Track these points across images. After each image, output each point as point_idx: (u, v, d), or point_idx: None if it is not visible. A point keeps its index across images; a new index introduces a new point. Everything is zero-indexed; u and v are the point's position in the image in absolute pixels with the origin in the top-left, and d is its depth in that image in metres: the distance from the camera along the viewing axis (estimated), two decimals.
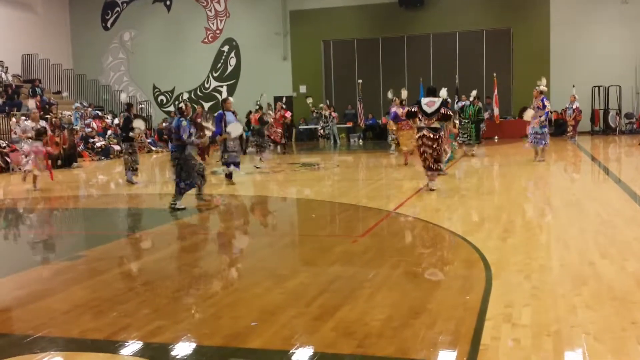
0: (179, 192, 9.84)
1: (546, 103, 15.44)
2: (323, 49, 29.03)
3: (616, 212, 8.65)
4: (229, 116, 12.64)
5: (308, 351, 3.97)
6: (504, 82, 25.37)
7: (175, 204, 9.81)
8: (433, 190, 10.88)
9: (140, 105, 28.97)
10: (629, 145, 19.99)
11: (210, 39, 30.36)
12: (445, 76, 26.65)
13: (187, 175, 9.76)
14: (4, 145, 19.38)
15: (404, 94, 18.08)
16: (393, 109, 17.07)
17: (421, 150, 10.80)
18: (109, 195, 13.07)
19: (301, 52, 28.94)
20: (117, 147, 23.11)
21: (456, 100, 22.13)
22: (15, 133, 14.60)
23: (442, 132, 10.83)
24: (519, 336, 4.04)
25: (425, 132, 10.62)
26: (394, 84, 25.66)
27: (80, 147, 22.05)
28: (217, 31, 30.25)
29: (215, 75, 30.50)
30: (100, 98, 30.65)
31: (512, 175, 13.95)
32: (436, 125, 10.62)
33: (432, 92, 10.83)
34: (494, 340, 3.98)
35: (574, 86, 22.45)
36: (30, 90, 25.89)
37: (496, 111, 23.93)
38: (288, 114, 21.64)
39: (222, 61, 30.35)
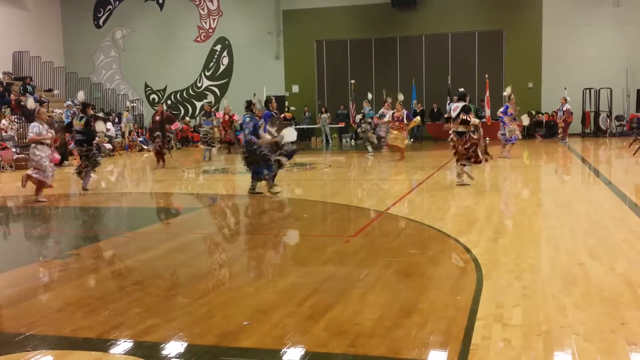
0: (257, 179, 11.17)
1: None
2: (316, 48, 29.03)
3: (606, 213, 8.71)
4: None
5: (300, 350, 3.99)
6: (496, 83, 25.42)
7: (254, 189, 11.17)
8: (464, 184, 11.53)
9: (132, 104, 28.90)
10: (619, 148, 20.09)
11: (202, 38, 30.30)
12: (437, 77, 26.77)
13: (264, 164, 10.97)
14: None
15: (401, 97, 18.59)
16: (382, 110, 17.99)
17: (452, 150, 11.66)
18: (101, 193, 13.03)
19: (294, 51, 28.92)
20: (108, 146, 23.07)
21: (448, 102, 22.14)
22: (32, 145, 11.38)
23: (473, 135, 11.37)
24: (510, 336, 4.07)
25: (452, 135, 11.49)
26: (386, 85, 25.74)
27: (72, 146, 21.94)
28: (210, 30, 30.19)
29: (207, 74, 30.43)
30: (92, 96, 30.54)
31: (503, 176, 14.01)
32: (461, 129, 11.29)
33: (461, 98, 11.59)
34: (485, 340, 4.01)
35: (565, 88, 22.54)
36: (21, 87, 25.79)
37: (488, 113, 23.97)
38: (236, 117, 22.01)
39: (214, 60, 30.29)
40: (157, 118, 17.69)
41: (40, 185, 11.29)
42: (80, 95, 16.10)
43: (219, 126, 21.26)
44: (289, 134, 11.65)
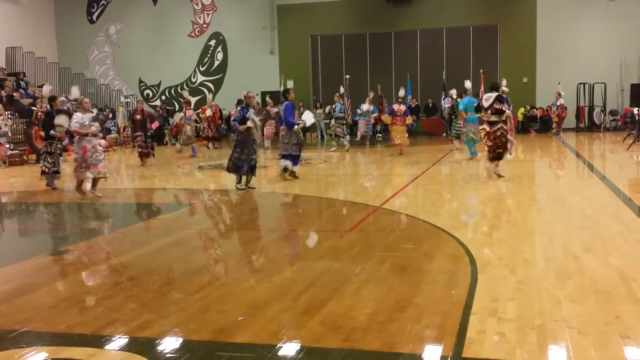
0: (242, 174, 11.37)
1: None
2: (310, 43, 29.01)
3: (600, 207, 8.73)
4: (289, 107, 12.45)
5: (295, 345, 3.99)
6: (490, 78, 25.35)
7: (249, 185, 11.47)
8: (501, 176, 11.67)
9: (127, 100, 28.82)
10: (613, 142, 20.14)
11: (196, 33, 30.25)
12: (432, 72, 26.80)
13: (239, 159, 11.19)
14: None
15: (402, 92, 18.77)
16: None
17: (484, 141, 11.76)
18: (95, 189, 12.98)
19: (288, 46, 28.90)
20: (103, 141, 22.98)
21: (443, 97, 22.18)
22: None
23: (505, 125, 11.55)
24: (504, 330, 4.08)
25: (485, 125, 11.59)
26: (381, 80, 25.77)
27: (65, 142, 21.85)
28: (204, 25, 30.13)
29: (201, 69, 30.39)
30: (86, 92, 30.43)
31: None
32: (493, 118, 11.40)
33: (493, 88, 11.69)
34: (480, 334, 4.02)
35: (559, 83, 22.58)
36: (15, 83, 25.69)
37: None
38: (218, 111, 22.20)
39: (208, 55, 30.24)
40: (138, 117, 17.22)
41: (80, 181, 10.97)
42: (46, 89, 15.26)
43: (195, 122, 21.18)
44: (309, 118, 12.45)
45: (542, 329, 4.08)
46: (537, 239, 6.95)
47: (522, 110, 26.04)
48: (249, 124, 11.13)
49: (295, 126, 12.16)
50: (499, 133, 11.44)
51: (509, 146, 12.02)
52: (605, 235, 6.90)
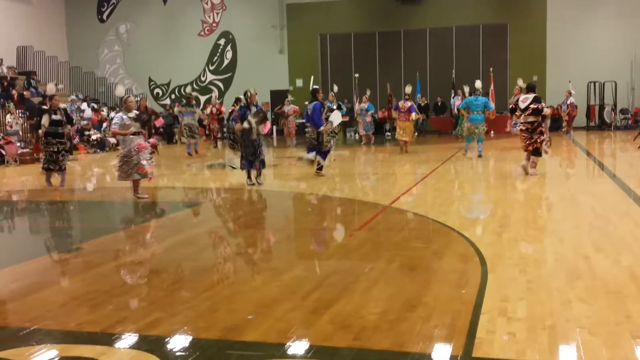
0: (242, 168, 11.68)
1: None
2: (320, 42, 29.00)
3: (611, 206, 8.68)
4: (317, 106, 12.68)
5: (304, 344, 3.99)
6: (500, 77, 25.40)
7: (259, 181, 11.72)
8: (534, 175, 11.72)
9: (136, 98, 28.86)
10: (624, 141, 20.03)
11: (206, 32, 30.30)
12: (441, 71, 26.75)
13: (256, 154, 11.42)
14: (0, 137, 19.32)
15: (408, 89, 18.93)
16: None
17: (522, 140, 11.83)
18: (105, 187, 13.05)
19: (298, 45, 28.91)
20: (112, 140, 23.09)
21: (452, 95, 22.17)
22: (109, 134, 10.90)
23: (541, 124, 11.72)
24: (514, 330, 4.06)
25: (521, 125, 11.73)
26: (390, 79, 25.73)
27: (76, 140, 22.00)
28: (214, 24, 30.19)
29: (211, 68, 30.45)
30: (96, 91, 30.58)
31: (508, 170, 13.98)
32: (531, 119, 11.53)
33: (531, 89, 11.84)
34: (490, 334, 4.00)
35: (570, 81, 22.48)
36: (25, 82, 25.82)
37: (492, 106, 23.92)
38: (223, 109, 22.06)
39: (218, 54, 30.29)
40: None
41: (135, 182, 10.57)
42: (50, 87, 14.95)
43: (207, 118, 21.22)
44: (336, 118, 12.83)
45: (553, 329, 4.06)
46: (547, 238, 6.92)
47: None
48: (245, 124, 11.23)
49: (322, 127, 12.37)
50: (537, 131, 11.57)
51: (544, 144, 12.18)
52: (616, 234, 6.86)
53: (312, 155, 12.67)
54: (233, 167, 11.77)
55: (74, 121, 22.75)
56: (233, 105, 17.56)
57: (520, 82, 18.90)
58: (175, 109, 20.05)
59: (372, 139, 21.87)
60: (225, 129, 21.29)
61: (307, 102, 13.33)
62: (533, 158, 11.84)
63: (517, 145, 17.80)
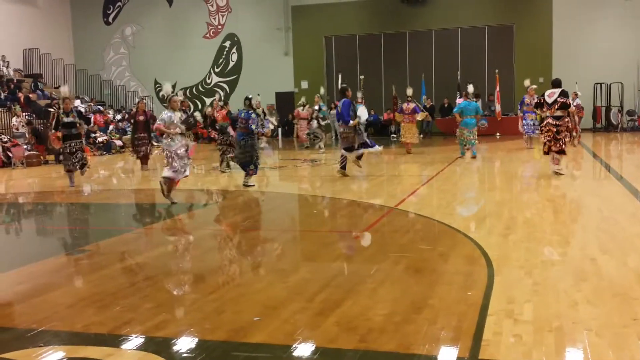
0: (248, 174, 11.68)
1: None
2: (325, 44, 29.01)
3: (617, 208, 8.66)
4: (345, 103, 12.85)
5: (310, 346, 3.99)
6: (506, 78, 25.36)
7: (248, 183, 11.66)
8: (560, 174, 11.84)
9: (144, 100, 28.92)
10: (630, 143, 19.99)
11: (211, 34, 30.35)
12: (447, 72, 26.70)
13: (252, 159, 11.53)
14: (6, 139, 19.38)
15: (409, 91, 18.88)
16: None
17: (545, 137, 11.82)
18: (111, 190, 13.08)
19: (303, 47, 28.91)
20: (118, 142, 23.14)
21: (458, 97, 22.12)
22: (157, 132, 10.47)
23: (567, 119, 11.73)
24: (521, 332, 4.05)
25: (549, 120, 11.68)
26: (395, 80, 25.71)
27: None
28: (219, 26, 30.23)
29: (216, 70, 30.48)
30: (102, 93, 30.65)
31: (514, 171, 13.97)
32: (559, 113, 11.59)
33: (556, 84, 11.93)
34: (496, 336, 4.00)
35: (576, 83, 22.43)
36: (32, 84, 25.91)
37: (498, 107, 23.92)
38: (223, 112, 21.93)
39: (223, 57, 30.34)
40: (142, 118, 16.05)
41: (171, 184, 10.16)
42: (63, 90, 14.87)
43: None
44: (364, 113, 12.98)
45: (560, 331, 4.05)
46: (553, 240, 6.91)
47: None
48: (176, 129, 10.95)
49: (351, 122, 12.54)
50: (564, 127, 11.62)
51: (571, 139, 12.30)
52: (623, 236, 6.84)
53: (378, 148, 13.17)
54: (249, 185, 11.71)
55: (91, 122, 22.78)
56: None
57: (527, 83, 18.91)
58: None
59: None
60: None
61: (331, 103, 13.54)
62: (557, 155, 11.87)
63: (522, 147, 17.83)
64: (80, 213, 10.84)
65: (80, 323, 4.54)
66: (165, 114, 9.88)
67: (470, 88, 16.67)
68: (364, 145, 12.96)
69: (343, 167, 12.96)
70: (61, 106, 13.00)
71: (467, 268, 5.70)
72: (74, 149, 12.81)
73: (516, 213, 8.54)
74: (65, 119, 12.68)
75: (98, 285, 5.60)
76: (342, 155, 12.98)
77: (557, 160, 11.94)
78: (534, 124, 17.80)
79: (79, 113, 13.41)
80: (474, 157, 15.87)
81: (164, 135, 9.94)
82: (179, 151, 9.90)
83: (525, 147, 18.52)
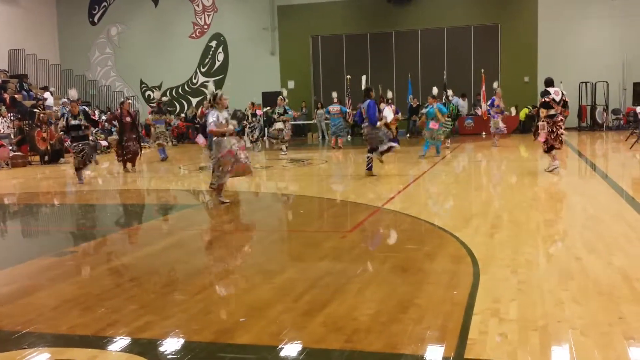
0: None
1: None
2: (311, 44, 29.01)
3: (603, 207, 8.71)
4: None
5: (297, 346, 3.98)
6: (491, 78, 25.42)
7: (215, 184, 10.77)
8: (555, 169, 12.06)
9: (128, 100, 28.77)
10: (616, 141, 20.11)
11: (197, 34, 30.27)
12: (433, 72, 26.76)
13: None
14: None
15: (389, 94, 19.24)
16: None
17: (554, 135, 11.87)
18: (97, 191, 13.01)
19: (289, 47, 28.90)
20: (104, 143, 23.01)
21: (444, 96, 22.20)
22: (200, 137, 10.68)
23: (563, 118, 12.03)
24: (506, 331, 4.06)
25: (560, 117, 11.82)
26: (382, 80, 25.71)
27: (67, 143, 21.88)
28: (205, 26, 30.16)
29: (202, 70, 30.41)
30: (88, 93, 30.50)
31: (499, 171, 14.03)
32: (552, 112, 11.82)
33: (552, 83, 12.09)
34: (482, 335, 4.01)
35: (561, 82, 22.53)
36: (17, 85, 25.74)
37: (484, 107, 23.98)
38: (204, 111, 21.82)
39: (209, 56, 30.27)
40: (128, 119, 15.95)
41: (221, 185, 9.98)
42: (72, 93, 14.86)
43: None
44: (389, 114, 13.11)
45: (545, 330, 4.07)
46: (539, 239, 6.93)
47: (526, 110, 25.99)
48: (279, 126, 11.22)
49: (379, 122, 12.58)
50: (560, 124, 11.87)
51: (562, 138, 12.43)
52: (608, 235, 6.87)
53: (396, 145, 13.07)
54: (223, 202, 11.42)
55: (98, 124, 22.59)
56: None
57: (495, 85, 20.02)
58: (149, 116, 19.05)
59: (341, 141, 21.65)
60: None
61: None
62: (555, 152, 12.12)
63: (508, 146, 17.89)
64: (66, 214, 10.78)
65: (65, 325, 4.51)
66: (214, 116, 9.56)
67: (435, 90, 17.18)
68: (392, 140, 13.07)
69: (369, 168, 12.92)
70: (68, 109, 13.71)
71: (453, 267, 5.71)
72: (81, 148, 13.28)
73: (502, 212, 8.57)
74: (73, 122, 13.30)
75: (83, 286, 5.56)
76: (368, 157, 12.91)
77: (556, 157, 12.20)
78: (502, 127, 19.52)
79: (86, 116, 13.76)
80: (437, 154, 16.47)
81: (214, 139, 9.67)
82: (228, 156, 9.63)
83: (494, 145, 19.36)
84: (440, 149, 17.22)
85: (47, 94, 25.43)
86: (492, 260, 5.88)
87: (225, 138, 9.61)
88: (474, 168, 14.87)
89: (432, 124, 16.21)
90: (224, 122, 9.58)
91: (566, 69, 25.08)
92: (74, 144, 13.40)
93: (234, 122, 9.82)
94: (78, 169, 13.37)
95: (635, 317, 4.27)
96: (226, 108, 9.96)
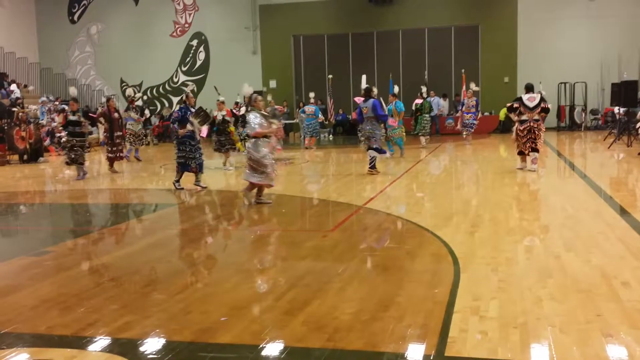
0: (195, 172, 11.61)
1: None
2: (293, 43, 28.97)
3: (581, 206, 8.79)
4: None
5: (278, 345, 3.98)
6: (472, 78, 25.52)
7: (178, 182, 11.63)
8: (534, 171, 12.35)
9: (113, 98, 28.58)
10: (594, 141, 20.30)
11: (178, 33, 30.10)
12: (414, 72, 26.85)
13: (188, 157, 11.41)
14: None
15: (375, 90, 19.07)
16: None
17: (525, 138, 12.31)
18: (76, 190, 12.90)
19: (271, 46, 28.83)
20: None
21: (425, 96, 22.27)
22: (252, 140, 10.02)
23: (541, 123, 12.43)
24: (487, 328, 4.09)
25: (531, 123, 12.20)
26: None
27: (47, 142, 21.76)
28: (186, 25, 30.00)
29: (184, 69, 30.25)
30: (67, 92, 30.22)
31: (479, 170, 14.11)
32: (537, 117, 12.23)
33: (531, 89, 12.45)
34: (462, 333, 4.03)
35: (540, 82, 22.69)
36: None
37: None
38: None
39: (190, 55, 30.11)
40: (116, 115, 15.92)
41: (252, 186, 9.79)
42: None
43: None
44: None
45: (524, 328, 4.10)
46: (518, 237, 6.99)
47: (504, 110, 26.12)
48: (189, 126, 11.22)
49: (390, 119, 12.93)
50: (541, 128, 12.30)
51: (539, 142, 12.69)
52: (587, 233, 6.94)
53: (375, 154, 12.90)
54: (202, 187, 11.57)
55: (45, 123, 22.50)
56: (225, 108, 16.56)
57: (473, 86, 20.49)
58: (123, 113, 18.60)
59: (313, 142, 21.63)
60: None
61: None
62: (534, 154, 12.42)
63: (488, 146, 17.99)
64: (45, 213, 10.69)
65: (44, 325, 4.48)
66: (256, 118, 9.34)
67: (396, 89, 17.27)
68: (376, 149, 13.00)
69: (372, 167, 12.91)
70: (67, 107, 14.31)
71: (434, 266, 5.74)
72: (76, 145, 13.89)
73: (482, 211, 8.62)
74: (71, 117, 13.93)
75: (62, 286, 5.52)
76: (371, 157, 12.87)
77: (536, 160, 12.49)
78: (471, 123, 20.14)
79: (85, 113, 14.60)
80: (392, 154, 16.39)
81: (252, 140, 9.45)
82: (268, 157, 9.49)
83: (465, 143, 20.01)
84: (404, 149, 16.78)
85: (13, 86, 25.22)
86: (472, 258, 5.92)
87: (263, 139, 9.43)
88: (454, 167, 14.94)
89: (391, 121, 15.98)
90: (265, 123, 9.37)
91: (545, 69, 25.27)
92: (70, 139, 13.93)
93: (275, 120, 9.69)
94: (68, 163, 14.16)
95: (613, 314, 4.32)
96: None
